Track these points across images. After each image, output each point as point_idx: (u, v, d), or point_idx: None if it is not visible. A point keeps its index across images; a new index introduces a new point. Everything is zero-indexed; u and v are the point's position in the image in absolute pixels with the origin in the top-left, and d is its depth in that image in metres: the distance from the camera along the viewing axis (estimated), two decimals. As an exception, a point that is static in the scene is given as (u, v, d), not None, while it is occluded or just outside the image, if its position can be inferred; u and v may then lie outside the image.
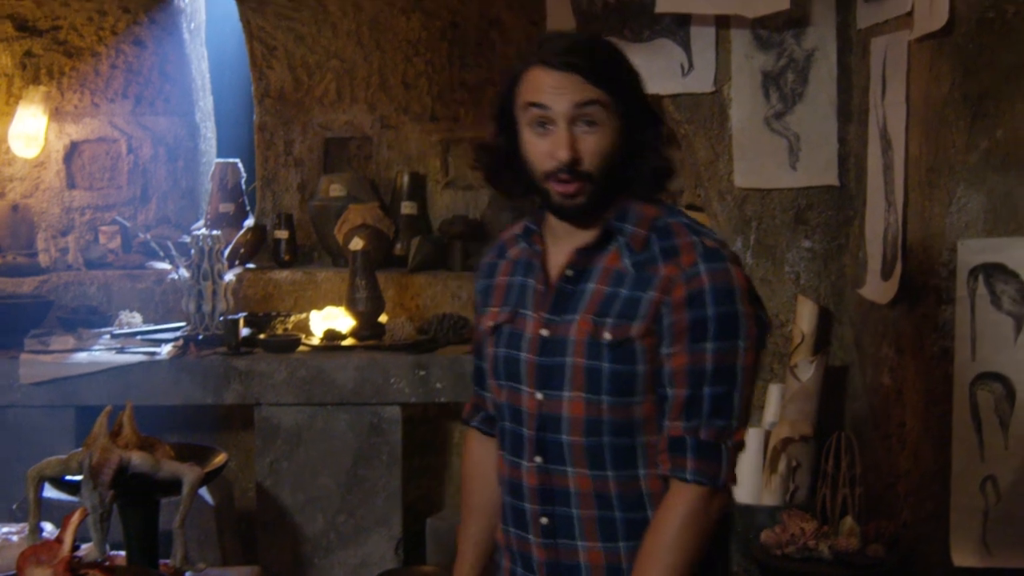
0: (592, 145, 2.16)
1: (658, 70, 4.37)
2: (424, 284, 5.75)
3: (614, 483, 2.19)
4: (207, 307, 5.25)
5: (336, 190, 5.98)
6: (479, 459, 2.50)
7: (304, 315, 5.46)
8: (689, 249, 2.17)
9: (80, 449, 2.78)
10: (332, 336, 5.23)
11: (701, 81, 4.43)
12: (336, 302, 5.59)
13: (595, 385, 2.17)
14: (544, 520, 2.24)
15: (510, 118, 2.24)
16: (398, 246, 5.90)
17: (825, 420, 4.26)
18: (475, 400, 2.52)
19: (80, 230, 6.14)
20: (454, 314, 5.43)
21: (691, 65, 4.42)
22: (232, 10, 6.09)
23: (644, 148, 2.22)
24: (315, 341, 5.24)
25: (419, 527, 5.27)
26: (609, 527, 2.20)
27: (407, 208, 6.00)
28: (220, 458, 2.92)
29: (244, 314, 5.28)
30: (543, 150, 2.17)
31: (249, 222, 6.03)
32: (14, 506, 4.50)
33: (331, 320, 5.31)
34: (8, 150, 6.07)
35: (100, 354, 5.08)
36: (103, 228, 6.16)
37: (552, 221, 2.28)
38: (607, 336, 2.16)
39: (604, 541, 2.20)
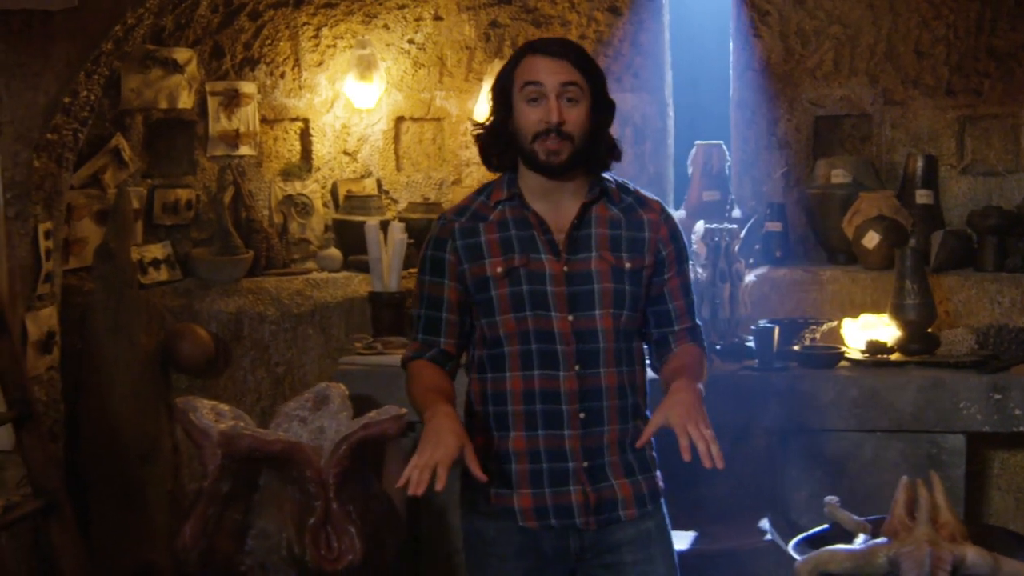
0: (574, 115, 2.74)
1: None
2: (953, 287, 4.92)
3: (627, 377, 2.82)
4: (723, 313, 4.53)
5: (838, 176, 5.20)
6: (438, 370, 2.88)
7: (835, 323, 4.68)
8: (648, 199, 2.89)
9: (876, 540, 2.04)
10: (875, 349, 4.43)
11: None
12: (845, 306, 4.84)
13: (619, 303, 2.79)
14: (582, 415, 2.78)
15: (507, 97, 2.78)
16: (911, 241, 5.04)
17: None
18: (420, 346, 2.90)
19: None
20: (1014, 325, 4.58)
21: None
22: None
23: (602, 127, 2.81)
24: (855, 355, 4.46)
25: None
26: (624, 412, 2.82)
27: (922, 197, 5.16)
28: None
29: (776, 322, 4.50)
30: (535, 118, 2.73)
31: (736, 212, 5.29)
32: None
33: (870, 329, 4.52)
34: (467, 131, 5.49)
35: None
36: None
37: (530, 184, 2.81)
38: (628, 265, 2.80)
39: (621, 423, 2.81)
